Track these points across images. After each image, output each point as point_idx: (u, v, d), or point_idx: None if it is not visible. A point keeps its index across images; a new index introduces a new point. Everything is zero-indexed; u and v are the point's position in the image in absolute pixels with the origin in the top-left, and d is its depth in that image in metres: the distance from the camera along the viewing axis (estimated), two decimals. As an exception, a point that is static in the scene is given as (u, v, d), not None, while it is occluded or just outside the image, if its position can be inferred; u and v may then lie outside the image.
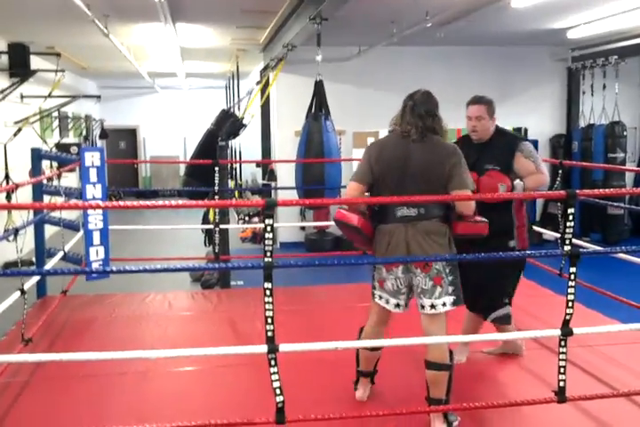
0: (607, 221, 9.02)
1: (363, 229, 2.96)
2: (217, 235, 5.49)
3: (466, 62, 9.38)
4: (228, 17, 6.94)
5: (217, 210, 5.56)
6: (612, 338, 3.85)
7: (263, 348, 2.50)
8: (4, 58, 8.34)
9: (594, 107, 9.18)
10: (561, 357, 2.77)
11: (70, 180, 9.55)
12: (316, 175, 6.28)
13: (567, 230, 2.67)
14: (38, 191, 4.94)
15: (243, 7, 6.37)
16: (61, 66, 9.07)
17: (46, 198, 5.07)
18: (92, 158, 4.27)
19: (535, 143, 8.71)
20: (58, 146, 9.96)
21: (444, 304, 2.87)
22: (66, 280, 4.99)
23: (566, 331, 2.75)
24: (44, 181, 5.35)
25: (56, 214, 5.10)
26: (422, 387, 2.95)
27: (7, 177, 7.67)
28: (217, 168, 5.37)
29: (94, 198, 4.20)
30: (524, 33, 8.21)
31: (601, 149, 9.05)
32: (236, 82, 11.30)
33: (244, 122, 6.40)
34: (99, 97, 12.45)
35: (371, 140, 7.24)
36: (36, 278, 4.50)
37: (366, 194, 3.03)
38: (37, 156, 5.07)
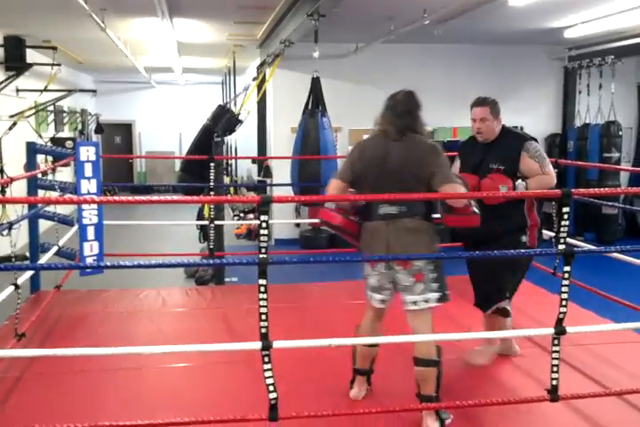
0: (601, 220, 9.05)
1: (345, 228, 3.00)
2: (212, 231, 5.49)
3: (462, 60, 9.38)
4: (225, 12, 6.92)
5: (212, 206, 5.56)
6: (605, 337, 3.87)
7: (257, 344, 2.49)
8: (0, 51, 8.29)
9: (590, 106, 9.21)
10: (554, 355, 2.76)
11: (65, 174, 9.55)
12: (311, 172, 6.27)
13: (562, 229, 2.67)
14: (33, 186, 4.91)
15: (240, 3, 6.35)
16: (57, 60, 9.04)
17: (41, 193, 5.05)
18: (88, 153, 4.25)
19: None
20: (53, 140, 9.89)
21: (426, 301, 2.89)
22: (60, 275, 4.98)
23: (559, 330, 2.74)
24: (39, 176, 5.33)
25: (50, 209, 5.08)
26: (415, 385, 2.95)
27: (2, 171, 7.63)
28: (212, 164, 5.36)
29: (89, 193, 4.18)
30: (521, 32, 8.21)
31: (596, 149, 9.07)
32: (232, 78, 11.27)
33: (241, 118, 6.39)
34: (95, 91, 12.39)
35: (367, 137, 7.22)
36: (29, 273, 4.48)
37: (351, 190, 3.05)
38: (32, 150, 5.04)
